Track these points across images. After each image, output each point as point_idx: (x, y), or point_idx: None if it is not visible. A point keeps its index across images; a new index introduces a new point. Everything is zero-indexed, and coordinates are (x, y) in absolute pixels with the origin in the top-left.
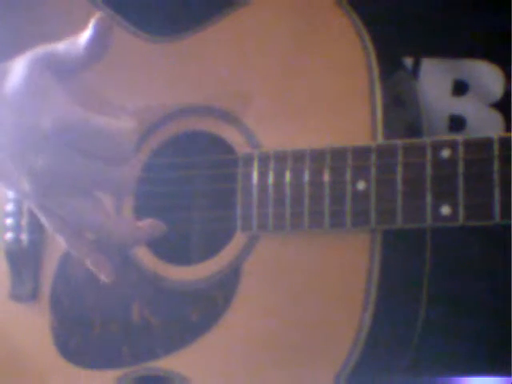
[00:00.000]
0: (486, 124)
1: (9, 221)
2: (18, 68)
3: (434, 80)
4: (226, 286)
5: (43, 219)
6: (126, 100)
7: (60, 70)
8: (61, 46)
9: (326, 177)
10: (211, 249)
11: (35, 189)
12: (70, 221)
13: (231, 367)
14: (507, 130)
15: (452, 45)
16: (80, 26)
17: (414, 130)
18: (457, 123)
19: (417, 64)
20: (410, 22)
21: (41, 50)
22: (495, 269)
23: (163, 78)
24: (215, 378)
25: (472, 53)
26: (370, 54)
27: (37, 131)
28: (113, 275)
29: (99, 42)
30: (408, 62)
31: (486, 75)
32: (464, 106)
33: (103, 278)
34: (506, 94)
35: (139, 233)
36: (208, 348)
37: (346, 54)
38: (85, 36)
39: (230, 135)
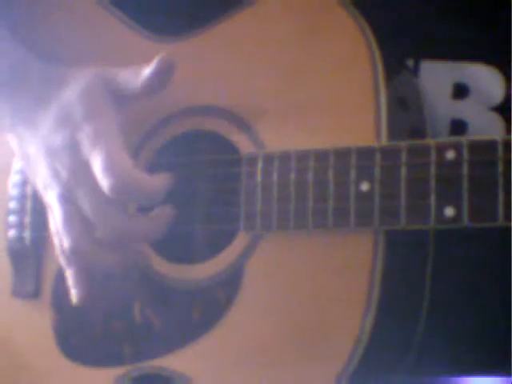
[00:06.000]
0: (486, 128)
1: (12, 218)
2: (80, 80)
3: (433, 82)
4: (229, 285)
5: (55, 210)
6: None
7: (116, 94)
8: (122, 74)
9: (330, 177)
10: (214, 248)
11: (60, 176)
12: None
13: (232, 367)
14: (508, 133)
15: (452, 47)
16: (86, 26)
17: (417, 132)
18: (458, 127)
19: (416, 66)
20: (410, 24)
21: (103, 70)
22: (497, 269)
23: None
24: (216, 378)
25: (472, 56)
26: (374, 54)
27: (70, 142)
28: (84, 299)
29: (157, 81)
30: (408, 63)
31: (487, 78)
32: (465, 110)
33: (74, 294)
34: (507, 98)
35: (156, 229)
36: (209, 347)
37: (350, 54)
38: (145, 72)
39: (234, 135)
